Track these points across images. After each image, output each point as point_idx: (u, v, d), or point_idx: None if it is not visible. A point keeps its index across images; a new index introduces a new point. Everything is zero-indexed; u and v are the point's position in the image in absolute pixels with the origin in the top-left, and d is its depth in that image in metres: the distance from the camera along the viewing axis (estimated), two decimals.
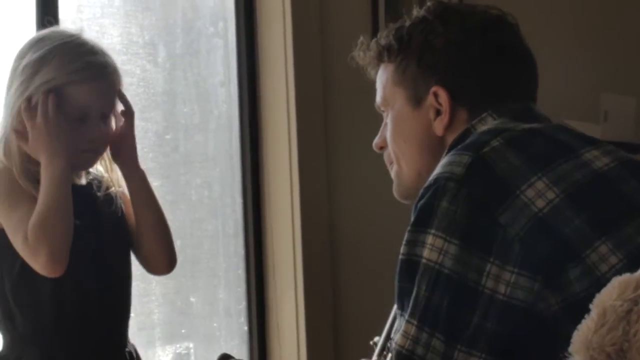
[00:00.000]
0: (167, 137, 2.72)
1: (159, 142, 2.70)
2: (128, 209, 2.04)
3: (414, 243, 1.44)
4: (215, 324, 2.79)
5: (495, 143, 1.47)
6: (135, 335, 2.51)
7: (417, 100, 1.63)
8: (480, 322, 1.38)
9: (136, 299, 2.57)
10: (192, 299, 2.73)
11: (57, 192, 1.84)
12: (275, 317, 2.79)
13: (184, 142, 2.76)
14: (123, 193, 2.05)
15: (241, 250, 2.83)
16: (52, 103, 1.87)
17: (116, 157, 2.00)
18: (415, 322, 1.42)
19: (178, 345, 2.70)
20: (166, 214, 2.62)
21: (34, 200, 1.85)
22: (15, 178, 1.88)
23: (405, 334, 1.43)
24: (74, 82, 1.88)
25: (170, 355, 2.69)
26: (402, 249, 1.46)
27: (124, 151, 1.99)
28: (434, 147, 1.61)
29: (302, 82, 2.79)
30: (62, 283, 1.87)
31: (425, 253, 1.42)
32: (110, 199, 2.00)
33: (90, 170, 2.02)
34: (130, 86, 2.59)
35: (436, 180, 1.45)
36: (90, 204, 1.97)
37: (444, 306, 1.40)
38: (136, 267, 2.63)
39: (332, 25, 2.84)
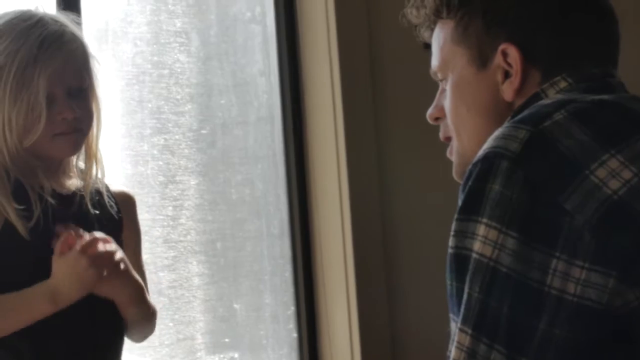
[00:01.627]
0: (203, 132, 2.61)
1: (194, 138, 2.58)
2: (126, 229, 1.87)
3: (463, 234, 1.26)
4: (261, 332, 2.68)
5: (558, 116, 1.28)
6: (175, 345, 2.45)
7: (482, 60, 1.44)
8: (548, 329, 1.20)
9: (175, 306, 2.46)
10: (235, 306, 2.63)
11: (32, 316, 1.69)
12: (326, 323, 2.69)
13: (222, 137, 2.65)
14: (123, 197, 1.88)
15: (288, 252, 2.73)
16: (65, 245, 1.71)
17: None
18: (469, 331, 1.23)
19: (222, 356, 2.59)
20: (205, 215, 2.59)
21: None
22: None
23: (460, 346, 1.24)
24: (26, 62, 1.69)
25: None
26: (450, 241, 1.28)
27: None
28: (501, 116, 1.42)
29: (349, 68, 2.67)
30: None
31: (477, 246, 1.24)
32: (103, 216, 1.82)
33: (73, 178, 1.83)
34: (161, 78, 2.52)
35: (486, 156, 1.26)
36: (80, 221, 1.78)
37: (504, 312, 1.21)
38: (176, 273, 2.50)
39: (379, 3, 2.69)
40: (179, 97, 2.56)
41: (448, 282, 1.29)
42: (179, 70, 2.57)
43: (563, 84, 1.39)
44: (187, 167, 2.55)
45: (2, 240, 1.69)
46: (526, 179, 1.22)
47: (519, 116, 1.32)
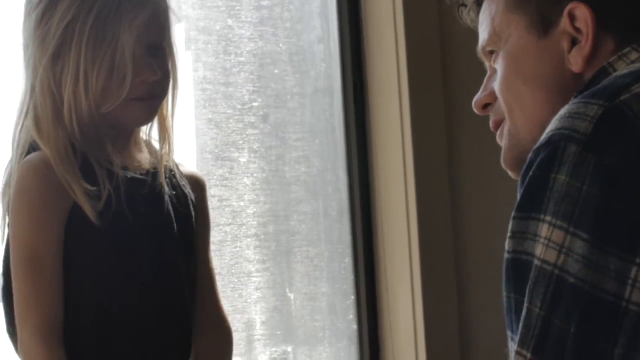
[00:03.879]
0: (255, 104, 2.50)
1: (245, 111, 2.47)
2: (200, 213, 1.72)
3: (522, 235, 1.11)
4: (317, 324, 2.57)
5: (638, 89, 1.11)
6: None
7: (544, 26, 1.28)
8: (627, 353, 1.04)
9: (222, 295, 2.38)
10: (289, 295, 2.53)
11: None
12: (388, 314, 2.56)
13: (275, 111, 2.54)
14: (194, 180, 1.73)
15: (347, 236, 2.62)
16: None
17: None
18: (528, 355, 1.08)
19: (274, 350, 2.47)
20: (257, 195, 2.48)
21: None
22: (49, 182, 1.52)
23: None
24: (107, 12, 1.52)
25: None
26: (506, 244, 1.13)
27: None
28: (566, 90, 1.25)
29: (415, 34, 2.55)
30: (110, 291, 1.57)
31: (539, 251, 1.08)
32: (178, 198, 1.66)
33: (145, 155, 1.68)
34: (208, 46, 2.42)
35: (550, 140, 1.09)
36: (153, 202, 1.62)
37: (571, 332, 1.05)
38: (223, 259, 2.45)
39: None
40: (228, 66, 2.46)
41: (505, 293, 1.14)
42: (228, 37, 2.46)
43: (634, 56, 1.21)
44: (237, 143, 2.45)
45: (71, 226, 1.53)
46: (599, 167, 1.05)
47: (592, 89, 1.14)
